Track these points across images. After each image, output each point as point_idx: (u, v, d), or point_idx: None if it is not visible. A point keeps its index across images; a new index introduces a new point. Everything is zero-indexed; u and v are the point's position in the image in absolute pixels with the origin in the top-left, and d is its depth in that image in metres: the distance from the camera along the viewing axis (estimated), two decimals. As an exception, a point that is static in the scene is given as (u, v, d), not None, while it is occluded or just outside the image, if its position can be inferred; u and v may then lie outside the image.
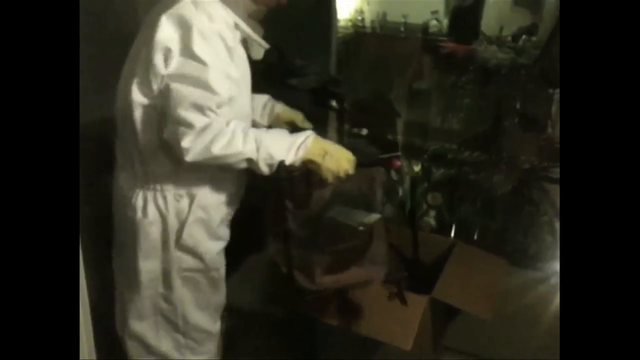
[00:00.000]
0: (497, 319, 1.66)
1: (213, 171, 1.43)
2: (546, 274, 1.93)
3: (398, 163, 1.61)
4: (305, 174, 1.46)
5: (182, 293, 1.47)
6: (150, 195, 1.40)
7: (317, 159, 1.42)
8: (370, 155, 1.58)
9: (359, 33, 2.38)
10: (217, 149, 1.33)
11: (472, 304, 1.63)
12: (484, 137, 2.10)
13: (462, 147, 2.10)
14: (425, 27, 2.24)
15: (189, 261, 1.44)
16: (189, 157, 1.31)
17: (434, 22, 2.25)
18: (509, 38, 2.07)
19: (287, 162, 1.40)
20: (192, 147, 1.30)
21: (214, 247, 1.48)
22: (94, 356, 1.06)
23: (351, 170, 1.46)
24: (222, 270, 1.54)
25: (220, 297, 1.56)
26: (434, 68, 2.21)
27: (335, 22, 2.26)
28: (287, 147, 1.41)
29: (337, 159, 1.44)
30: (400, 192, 2.15)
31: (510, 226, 2.04)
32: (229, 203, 1.52)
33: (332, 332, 1.68)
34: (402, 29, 2.33)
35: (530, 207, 1.98)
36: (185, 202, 1.42)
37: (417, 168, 2.25)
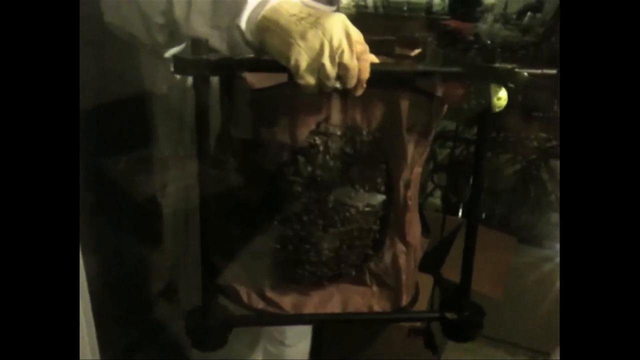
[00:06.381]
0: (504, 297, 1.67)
1: None
2: (554, 251, 1.93)
3: (461, 91, 0.88)
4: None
5: None
6: None
7: (288, 22, 0.75)
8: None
9: (361, 13, 2.36)
10: None
11: (481, 283, 1.61)
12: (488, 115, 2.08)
13: (467, 125, 2.08)
14: (428, 6, 2.22)
15: None
16: None
17: (437, 0, 2.22)
18: (514, 16, 2.04)
19: (242, 21, 0.77)
20: None
21: None
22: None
23: (357, 70, 0.76)
24: None
25: None
26: (438, 47, 2.19)
27: (337, 3, 2.24)
28: None
29: (329, 30, 0.73)
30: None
31: (517, 205, 2.03)
32: None
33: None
34: (405, 8, 2.31)
35: (537, 186, 1.97)
36: None
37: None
